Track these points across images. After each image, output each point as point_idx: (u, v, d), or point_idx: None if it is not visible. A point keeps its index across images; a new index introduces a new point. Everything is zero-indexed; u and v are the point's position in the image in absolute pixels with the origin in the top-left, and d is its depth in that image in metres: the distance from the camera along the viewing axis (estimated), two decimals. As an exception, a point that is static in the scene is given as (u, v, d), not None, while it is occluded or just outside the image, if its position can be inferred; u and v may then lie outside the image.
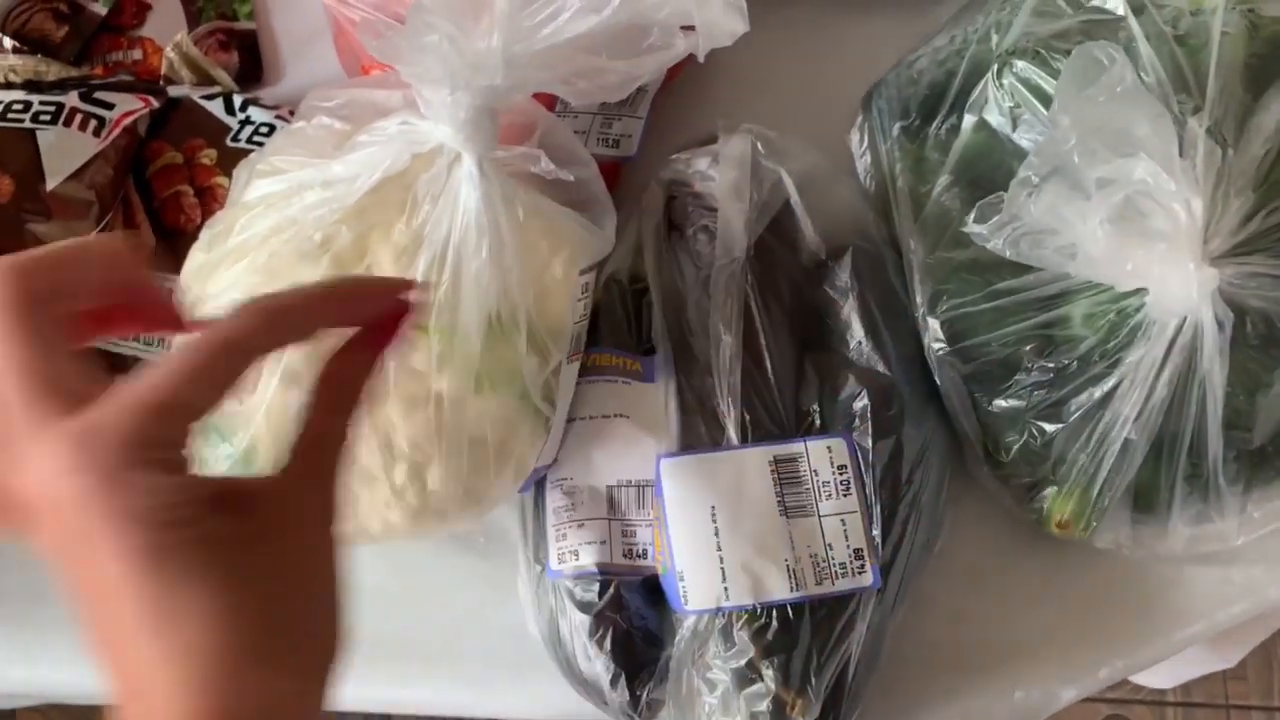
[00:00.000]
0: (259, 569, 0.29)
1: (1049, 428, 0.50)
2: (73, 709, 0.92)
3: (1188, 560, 0.55)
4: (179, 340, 0.34)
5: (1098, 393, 0.49)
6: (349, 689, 0.53)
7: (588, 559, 0.49)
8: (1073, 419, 0.50)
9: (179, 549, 0.27)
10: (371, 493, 0.45)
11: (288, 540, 0.30)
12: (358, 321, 0.34)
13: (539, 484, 0.51)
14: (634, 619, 0.49)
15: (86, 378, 0.29)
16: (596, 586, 0.49)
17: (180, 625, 0.27)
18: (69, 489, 0.27)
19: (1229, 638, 0.78)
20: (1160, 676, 1.01)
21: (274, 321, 0.31)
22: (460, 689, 0.54)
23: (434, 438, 0.45)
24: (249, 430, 0.44)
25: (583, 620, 0.49)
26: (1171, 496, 0.51)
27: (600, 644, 0.48)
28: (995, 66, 0.53)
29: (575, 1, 0.39)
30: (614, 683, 0.48)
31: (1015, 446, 0.52)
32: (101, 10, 0.64)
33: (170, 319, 0.33)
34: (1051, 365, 0.50)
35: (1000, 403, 0.51)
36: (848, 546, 0.49)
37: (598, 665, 0.48)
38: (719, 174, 0.53)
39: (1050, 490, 0.52)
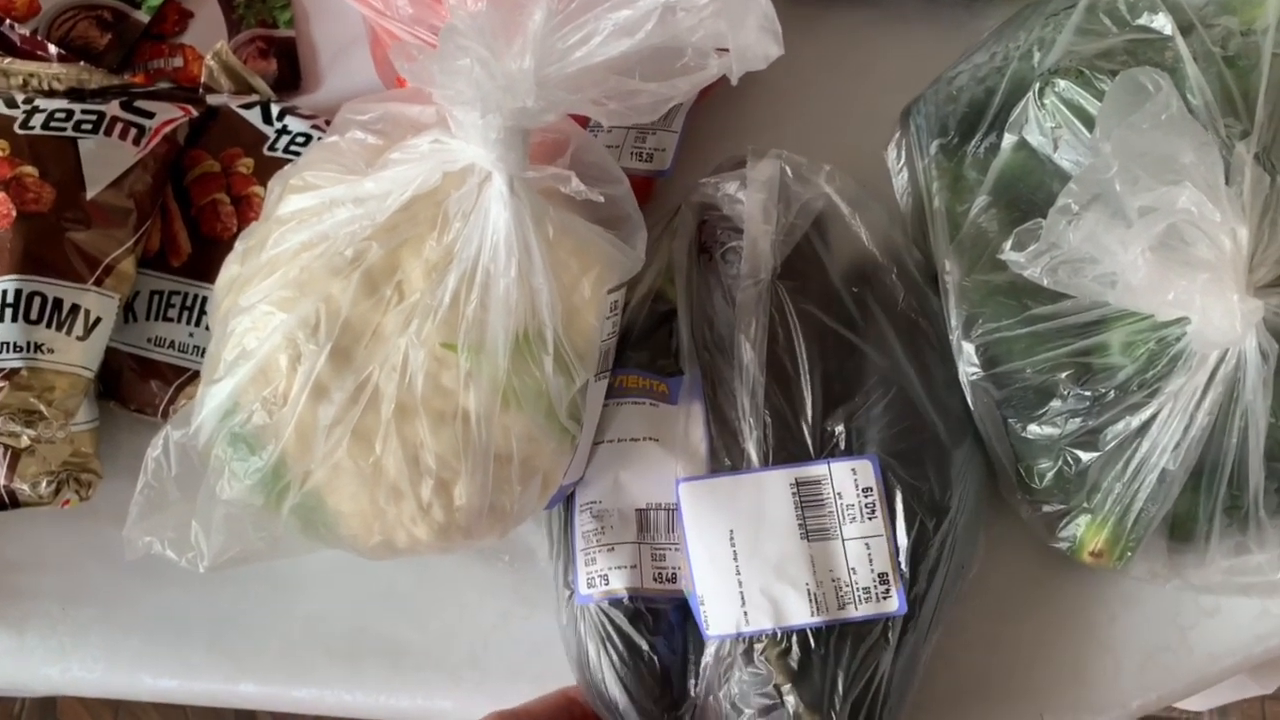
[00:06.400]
0: None
1: (1084, 456, 0.49)
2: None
3: (1225, 591, 0.53)
4: None
5: (1135, 421, 0.48)
6: (372, 698, 0.54)
7: (618, 583, 0.49)
8: (1109, 447, 0.49)
9: None
10: (398, 508, 0.45)
11: None
12: None
13: (567, 506, 0.51)
14: (662, 645, 0.49)
15: None
16: (625, 611, 0.48)
17: None
18: None
19: (1270, 665, 0.76)
20: (1194, 699, 0.99)
21: None
22: (483, 702, 0.54)
23: (460, 454, 0.45)
24: (278, 443, 0.45)
25: (610, 645, 0.48)
26: (1210, 527, 0.50)
27: (626, 670, 0.48)
28: (1037, 85, 0.52)
29: (609, 24, 0.39)
30: (638, 710, 0.48)
31: (1049, 473, 0.51)
32: (144, 18, 0.64)
33: None
34: (1088, 393, 0.49)
35: (1034, 429, 0.50)
36: (872, 571, 0.48)
37: (615, 690, 0.48)
38: (746, 197, 0.52)
39: (1084, 518, 0.51)
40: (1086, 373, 0.49)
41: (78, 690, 0.56)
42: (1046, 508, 0.52)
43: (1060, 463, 0.50)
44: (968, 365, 0.51)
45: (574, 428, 0.47)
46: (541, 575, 0.55)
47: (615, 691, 0.48)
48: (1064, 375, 0.49)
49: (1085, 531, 0.51)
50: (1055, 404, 0.50)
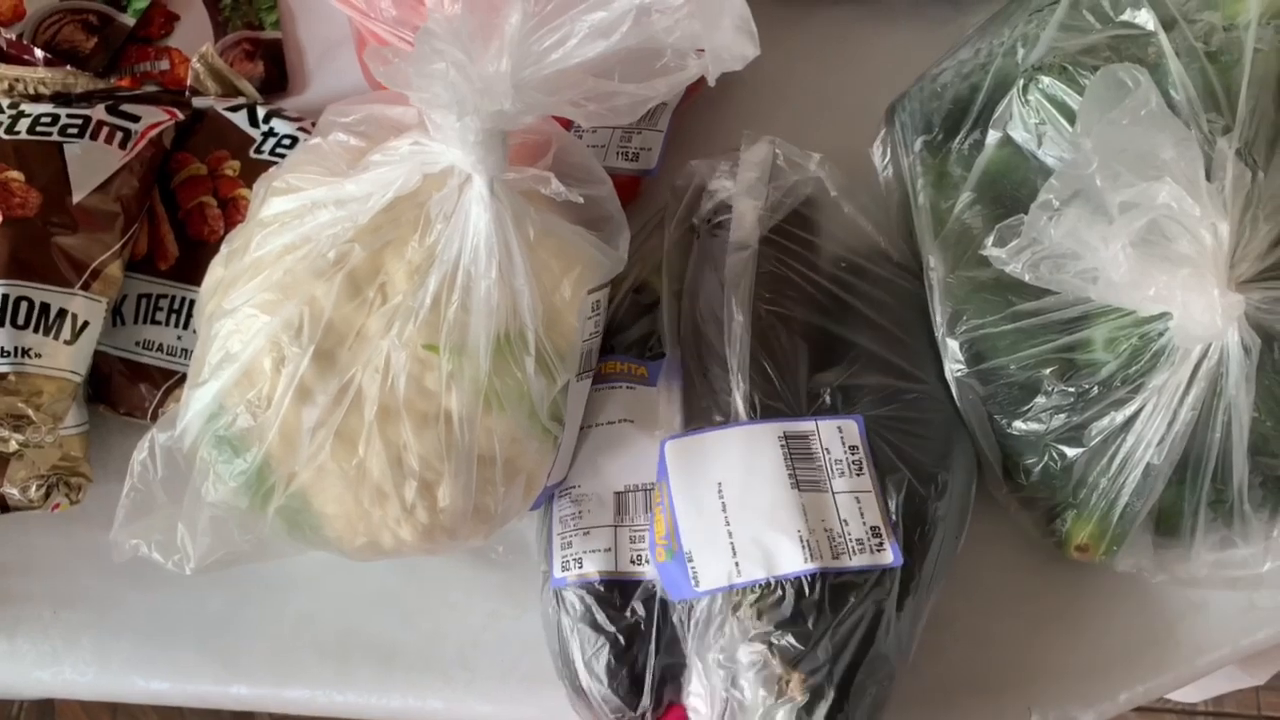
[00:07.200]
0: None
1: (1069, 451, 0.50)
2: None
3: (1211, 585, 0.53)
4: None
5: (1119, 417, 0.48)
6: (363, 698, 0.54)
7: (591, 567, 0.48)
8: (1094, 443, 0.49)
9: None
10: (383, 509, 0.45)
11: None
12: None
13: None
14: (634, 628, 0.48)
15: None
16: (595, 595, 0.48)
17: None
18: None
19: (1260, 656, 0.76)
20: (1188, 691, 0.99)
21: None
22: (474, 700, 0.54)
23: (443, 455, 0.45)
24: (263, 446, 0.45)
25: (581, 629, 0.48)
26: (1195, 521, 0.50)
27: (592, 652, 0.48)
28: (1021, 82, 0.52)
29: (585, 26, 0.39)
30: (605, 694, 0.48)
31: (1035, 469, 0.51)
32: (130, 21, 0.64)
33: None
34: (1072, 389, 0.49)
35: (1020, 425, 0.50)
36: (864, 524, 0.47)
37: (584, 673, 0.48)
38: (738, 174, 0.53)
39: (1070, 513, 0.51)
40: (1070, 369, 0.49)
41: (70, 693, 0.56)
42: (1033, 504, 0.52)
43: (1046, 458, 0.50)
44: (953, 361, 0.51)
45: (556, 428, 0.47)
46: (531, 573, 0.55)
47: (584, 675, 0.48)
48: (1048, 371, 0.49)
49: (1071, 526, 0.51)
50: (1040, 400, 0.50)
